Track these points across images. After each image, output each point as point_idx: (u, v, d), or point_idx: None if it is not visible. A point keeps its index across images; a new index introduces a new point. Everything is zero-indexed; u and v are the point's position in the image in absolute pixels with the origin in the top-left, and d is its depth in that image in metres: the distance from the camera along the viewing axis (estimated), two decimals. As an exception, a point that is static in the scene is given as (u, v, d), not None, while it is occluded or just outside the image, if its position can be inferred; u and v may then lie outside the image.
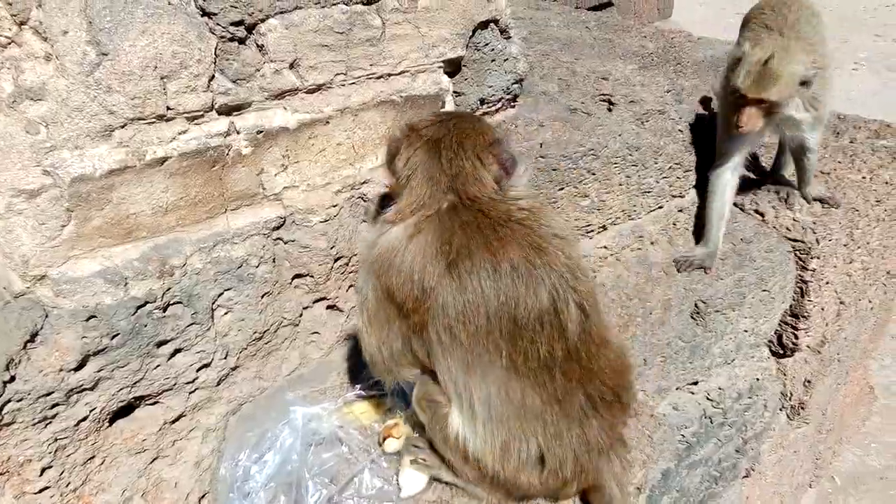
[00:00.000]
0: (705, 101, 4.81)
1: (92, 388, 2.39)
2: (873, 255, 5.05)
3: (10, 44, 2.26)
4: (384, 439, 2.49)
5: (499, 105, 3.64)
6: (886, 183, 4.95)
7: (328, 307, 2.99)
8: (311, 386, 2.81)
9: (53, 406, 2.33)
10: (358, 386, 2.77)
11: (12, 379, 2.22)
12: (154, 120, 2.41)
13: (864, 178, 5.00)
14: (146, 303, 2.43)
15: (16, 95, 2.26)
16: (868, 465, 7.25)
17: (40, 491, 2.41)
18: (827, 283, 4.67)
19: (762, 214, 4.59)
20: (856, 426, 6.77)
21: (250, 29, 2.59)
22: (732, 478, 4.67)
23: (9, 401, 2.22)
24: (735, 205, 4.62)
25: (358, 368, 2.85)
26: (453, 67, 3.25)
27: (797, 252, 4.46)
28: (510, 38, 3.50)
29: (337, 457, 2.50)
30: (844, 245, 4.71)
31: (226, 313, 2.66)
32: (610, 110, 4.02)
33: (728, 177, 3.90)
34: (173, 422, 2.66)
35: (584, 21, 6.49)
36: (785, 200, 4.59)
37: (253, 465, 2.52)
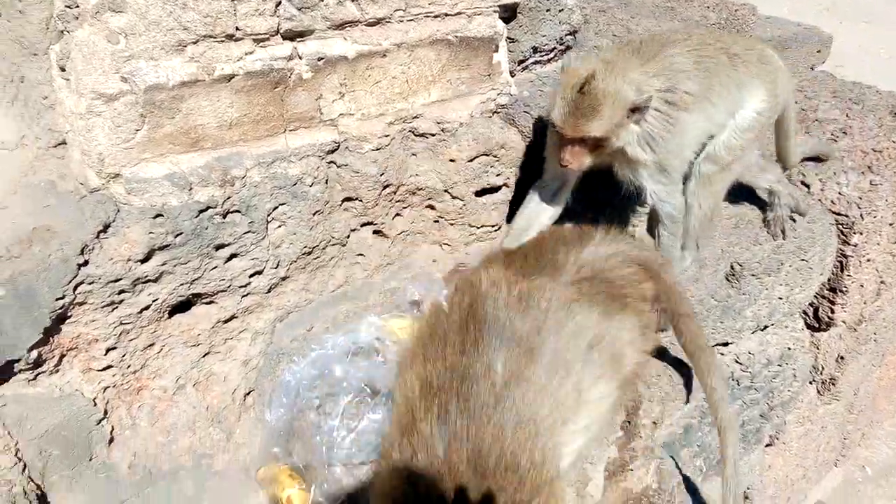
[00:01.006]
0: None
1: (155, 280, 2.63)
2: (920, 237, 5.00)
3: (97, -42, 2.46)
4: None
5: (551, 55, 3.73)
6: (940, 164, 4.88)
7: (374, 232, 3.18)
8: (353, 302, 3.01)
9: (120, 292, 2.57)
10: (398, 305, 2.95)
11: (86, 263, 2.46)
12: (224, 39, 2.60)
13: (904, 157, 4.92)
14: (208, 207, 2.64)
15: (99, 7, 2.46)
16: (902, 458, 7.20)
17: (104, 369, 2.68)
18: (868, 260, 4.66)
19: (808, 186, 4.60)
20: (889, 411, 6.73)
21: (317, -41, 2.74)
22: (755, 442, 4.75)
23: (82, 282, 2.47)
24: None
25: (398, 291, 3.03)
26: (509, 13, 3.36)
27: (840, 226, 4.47)
28: (567, -12, 3.59)
29: (373, 365, 2.69)
30: (890, 224, 4.69)
31: (279, 226, 2.86)
32: (662, 69, 4.07)
33: (544, 199, 3.16)
34: (226, 321, 2.89)
35: (648, -16, 6.45)
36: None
37: (297, 369, 2.72)
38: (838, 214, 4.47)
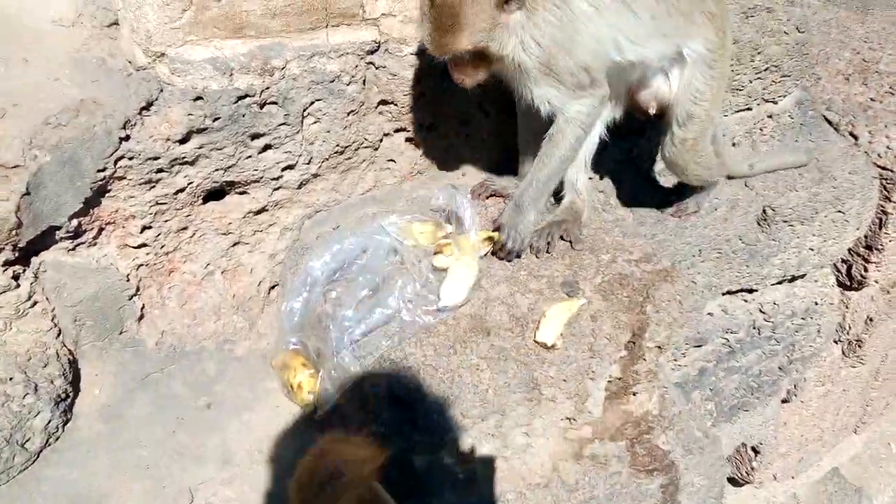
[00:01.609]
0: None
1: (192, 163, 2.71)
2: (968, 203, 4.87)
3: None
4: (435, 254, 2.74)
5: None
6: None
7: (407, 139, 3.20)
8: (380, 206, 3.06)
9: (158, 171, 2.66)
10: (419, 212, 3.00)
11: (127, 138, 2.55)
12: (274, -75, 2.61)
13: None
14: (246, 95, 2.69)
15: None
16: (931, 440, 7.13)
17: (139, 246, 2.80)
18: (910, 219, 4.57)
19: (856, 137, 4.49)
20: (917, 384, 6.64)
21: None
22: (771, 394, 4.77)
23: (122, 157, 2.57)
24: (829, 122, 4.54)
25: (425, 199, 3.07)
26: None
27: (884, 180, 4.37)
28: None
29: (390, 264, 2.76)
30: (939, 184, 4.57)
31: (314, 122, 2.90)
32: None
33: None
34: (256, 213, 2.97)
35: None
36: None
37: (318, 263, 2.80)
38: (883, 169, 4.37)
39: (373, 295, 2.65)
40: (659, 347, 2.87)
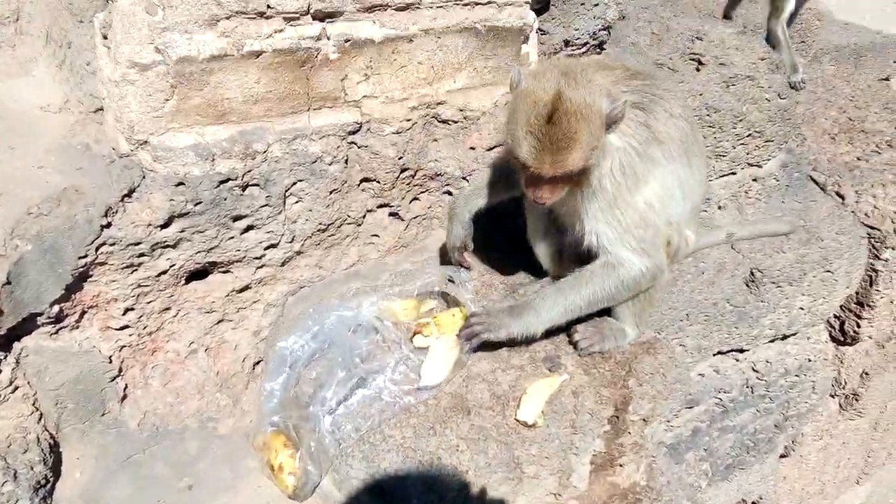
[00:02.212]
0: None
1: (173, 246, 2.74)
2: (960, 258, 4.87)
3: (140, -68, 2.56)
4: (414, 335, 2.74)
5: (584, 49, 3.74)
6: None
7: (390, 214, 3.24)
8: (364, 281, 3.08)
9: (140, 255, 2.69)
10: (405, 287, 3.01)
11: (109, 225, 2.58)
12: (255, 16, 2.68)
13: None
14: (228, 179, 2.74)
15: (141, -21, 2.57)
16: (940, 487, 7.03)
17: (121, 328, 2.81)
18: (901, 276, 4.57)
19: (842, 197, 4.53)
20: (918, 434, 6.56)
21: (351, -58, 2.80)
22: (767, 451, 4.72)
23: (104, 243, 2.60)
24: (815, 182, 4.58)
25: (408, 274, 3.09)
26: (541, 5, 3.38)
27: (871, 239, 4.39)
28: (603, -16, 3.58)
29: (371, 343, 2.77)
30: (928, 241, 4.58)
31: (297, 202, 2.94)
32: (698, 70, 4.03)
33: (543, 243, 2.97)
34: (240, 291, 2.99)
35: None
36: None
37: (300, 342, 2.81)
38: (871, 228, 4.39)
39: (354, 375, 2.65)
40: (644, 420, 2.85)
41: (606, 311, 2.83)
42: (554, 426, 2.60)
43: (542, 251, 2.99)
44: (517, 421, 2.57)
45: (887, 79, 6.61)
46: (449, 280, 2.92)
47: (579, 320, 2.77)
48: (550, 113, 2.18)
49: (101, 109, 2.92)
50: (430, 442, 2.47)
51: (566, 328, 2.80)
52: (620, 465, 2.88)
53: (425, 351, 2.71)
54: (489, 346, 2.74)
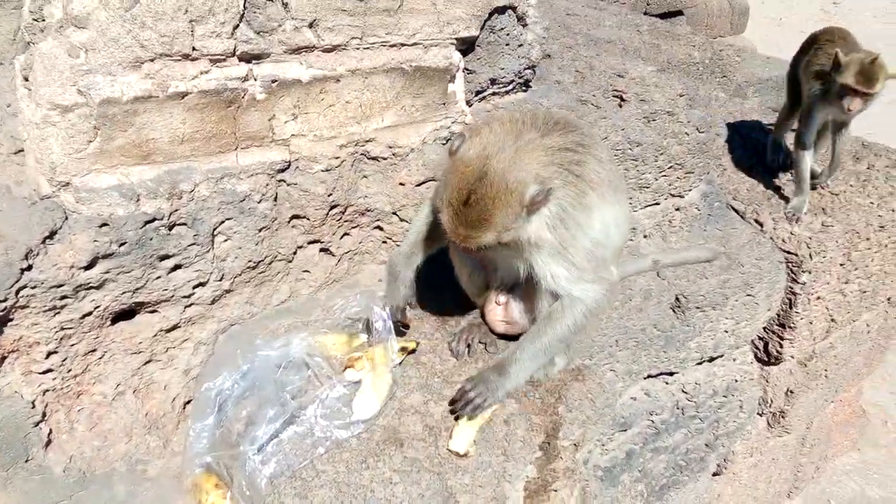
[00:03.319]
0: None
1: (98, 288, 2.71)
2: (872, 280, 5.15)
3: (62, -24, 2.57)
4: (346, 368, 2.77)
5: (509, 87, 3.86)
6: (894, 211, 5.05)
7: (321, 250, 3.27)
8: (295, 317, 3.09)
9: (63, 298, 2.65)
10: (334, 322, 3.03)
11: (29, 268, 2.54)
12: (180, 58, 2.70)
13: (871, 203, 5.10)
14: (154, 219, 2.73)
15: (63, 22, 2.57)
16: (867, 494, 7.30)
17: (45, 372, 2.75)
18: (818, 298, 4.80)
19: (761, 224, 4.74)
20: (846, 446, 6.84)
21: (277, -13, 2.86)
22: (699, 470, 4.85)
23: (24, 286, 2.55)
24: (735, 210, 4.79)
25: (339, 308, 3.11)
26: (467, 45, 3.48)
27: (789, 264, 4.60)
28: (526, 24, 3.72)
29: (302, 379, 2.77)
30: (841, 264, 4.83)
31: (225, 240, 2.95)
32: (620, 106, 4.21)
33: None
34: (168, 331, 2.97)
35: (637, 24, 6.61)
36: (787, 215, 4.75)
37: (229, 381, 2.80)
38: (788, 253, 4.60)
39: (285, 412, 2.65)
40: (575, 445, 2.92)
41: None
42: (486, 454, 2.64)
43: (470, 288, 3.06)
44: (449, 451, 2.61)
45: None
46: (375, 321, 2.93)
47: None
48: (468, 196, 2.30)
49: (22, 151, 2.89)
50: (363, 476, 2.48)
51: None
52: (554, 491, 2.93)
53: (357, 385, 2.73)
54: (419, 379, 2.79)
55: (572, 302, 2.65)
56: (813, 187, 4.90)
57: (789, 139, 5.19)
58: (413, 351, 2.94)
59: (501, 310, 2.96)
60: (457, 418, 2.70)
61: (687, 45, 6.50)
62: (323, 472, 2.49)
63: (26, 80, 2.72)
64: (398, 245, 3.41)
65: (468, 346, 2.99)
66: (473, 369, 2.91)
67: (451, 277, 3.11)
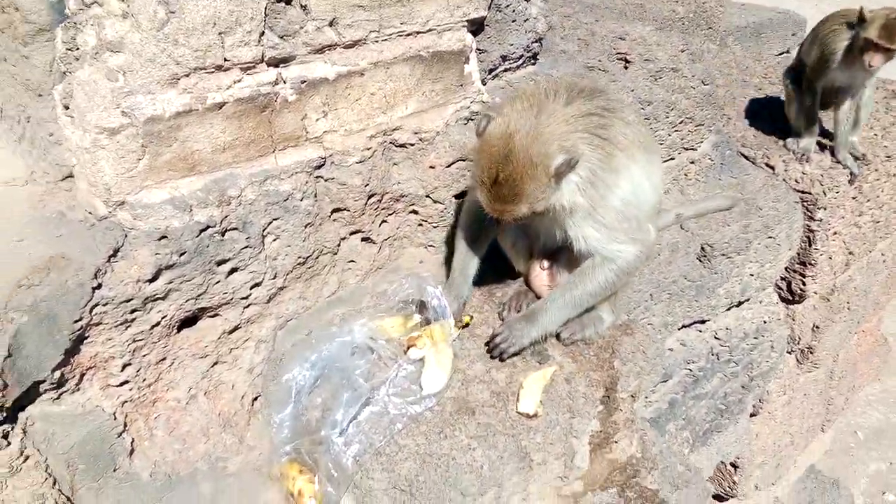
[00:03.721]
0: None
1: (163, 298, 2.82)
2: (883, 209, 5.28)
3: (93, 3, 2.66)
4: (408, 348, 2.89)
5: (519, 62, 3.95)
6: (897, 139, 5.16)
7: (362, 239, 3.38)
8: (347, 306, 3.21)
9: (132, 311, 2.76)
10: (388, 306, 3.15)
11: (99, 286, 2.65)
12: (213, 69, 2.80)
13: (875, 134, 5.21)
14: (208, 227, 2.84)
15: (98, 48, 2.66)
16: (892, 421, 7.48)
17: (121, 384, 2.86)
18: (835, 233, 4.93)
19: (772, 167, 4.86)
20: (870, 376, 7.00)
21: (295, -10, 2.95)
22: (738, 412, 5.00)
23: (97, 304, 2.66)
24: (746, 157, 4.90)
25: (387, 293, 3.23)
26: (476, 26, 3.58)
27: (804, 203, 4.73)
28: (530, -1, 3.81)
29: (369, 362, 2.90)
30: (853, 198, 4.96)
31: (274, 239, 3.05)
32: (626, 68, 4.31)
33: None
34: (230, 332, 3.08)
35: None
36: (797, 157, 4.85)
37: (302, 372, 2.92)
38: (802, 192, 4.73)
39: (359, 395, 2.77)
40: (632, 396, 3.05)
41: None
42: (553, 413, 2.77)
43: (514, 255, 3.18)
44: (519, 413, 2.74)
45: (787, 51, 7.09)
46: (423, 301, 3.06)
47: None
48: (496, 175, 2.46)
49: (69, 177, 2.99)
50: (442, 445, 2.61)
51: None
52: (615, 442, 3.07)
53: (422, 362, 2.85)
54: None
55: (603, 261, 2.79)
56: (832, 152, 4.89)
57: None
58: (468, 325, 3.06)
59: (546, 274, 3.08)
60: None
61: (670, 2, 6.57)
62: (405, 446, 2.62)
63: (66, 108, 2.81)
64: (435, 227, 3.51)
65: (518, 312, 3.11)
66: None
67: (490, 251, 3.23)
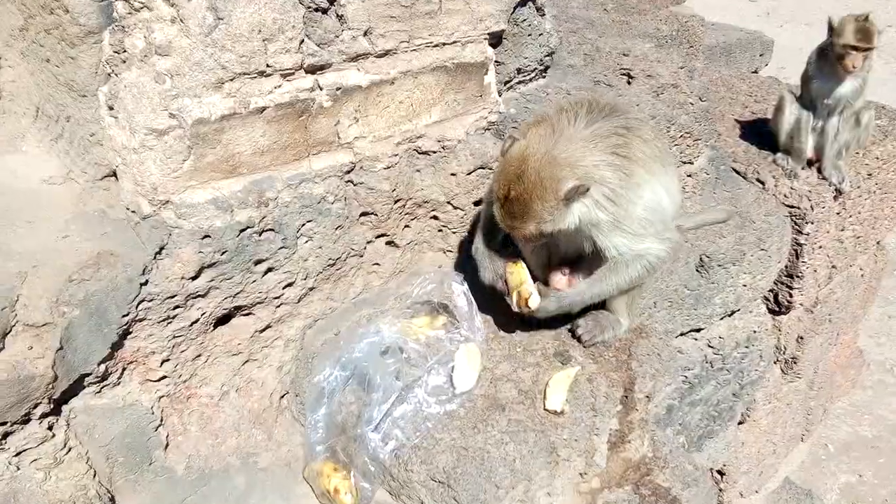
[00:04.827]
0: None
1: (204, 296, 2.90)
2: (864, 225, 5.54)
3: (142, 8, 2.75)
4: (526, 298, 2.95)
5: (532, 75, 4.11)
6: (878, 158, 5.42)
7: (387, 242, 3.50)
8: (373, 307, 3.31)
9: (175, 308, 2.84)
10: (413, 304, 3.26)
11: (146, 283, 2.73)
12: (256, 75, 2.90)
13: (857, 153, 5.46)
14: (247, 227, 2.93)
15: (147, 51, 2.75)
16: (860, 434, 7.75)
17: (159, 379, 2.94)
18: (820, 247, 5.16)
19: (762, 182, 5.07)
20: (846, 387, 7.26)
21: (332, 0, 3.06)
22: (729, 419, 5.18)
23: (143, 300, 2.74)
24: (738, 172, 5.11)
25: (418, 286, 3.34)
26: (496, 39, 3.73)
27: (793, 217, 4.94)
28: (544, 14, 3.98)
29: (398, 361, 3.00)
30: (837, 213, 5.20)
31: (307, 241, 3.16)
32: (629, 83, 4.49)
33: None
34: (262, 331, 3.17)
35: (602, 3, 6.89)
36: (786, 172, 5.06)
37: (334, 372, 3.01)
38: (791, 207, 4.94)
39: (392, 392, 2.87)
40: (647, 397, 3.20)
41: (601, 305, 3.19)
42: (578, 411, 2.91)
43: (534, 262, 3.32)
44: (546, 410, 2.87)
45: (756, 71, 7.39)
46: (457, 296, 3.18)
47: (580, 315, 3.14)
48: (508, 192, 2.63)
49: (108, 177, 3.06)
50: (476, 439, 2.73)
51: (570, 324, 3.15)
52: (629, 441, 3.21)
53: (451, 360, 2.96)
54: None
55: (634, 257, 2.94)
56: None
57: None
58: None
59: (566, 281, 3.22)
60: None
61: (654, 20, 6.78)
62: (441, 440, 2.73)
63: (111, 108, 2.88)
64: (454, 232, 3.65)
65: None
66: (549, 336, 3.18)
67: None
